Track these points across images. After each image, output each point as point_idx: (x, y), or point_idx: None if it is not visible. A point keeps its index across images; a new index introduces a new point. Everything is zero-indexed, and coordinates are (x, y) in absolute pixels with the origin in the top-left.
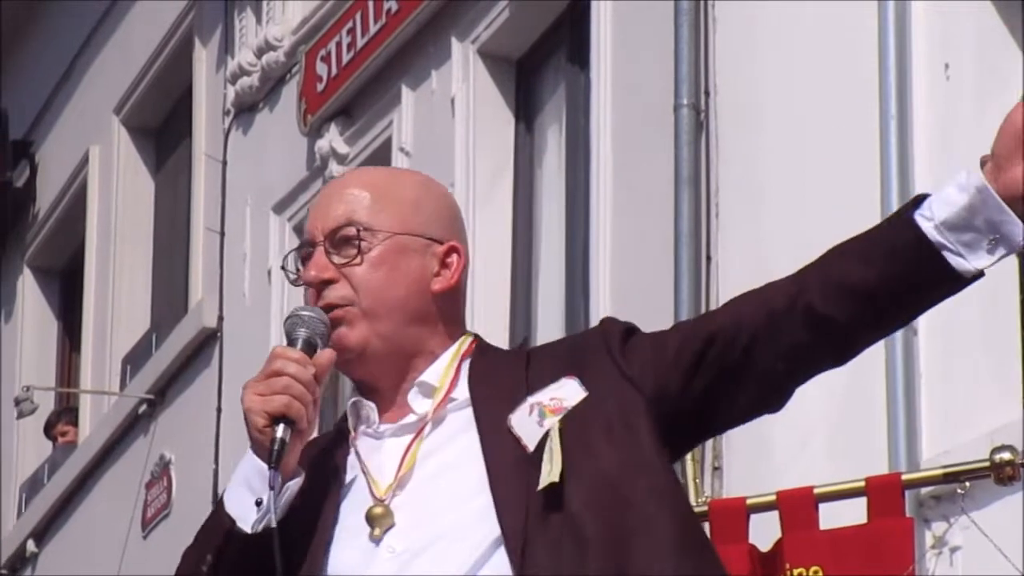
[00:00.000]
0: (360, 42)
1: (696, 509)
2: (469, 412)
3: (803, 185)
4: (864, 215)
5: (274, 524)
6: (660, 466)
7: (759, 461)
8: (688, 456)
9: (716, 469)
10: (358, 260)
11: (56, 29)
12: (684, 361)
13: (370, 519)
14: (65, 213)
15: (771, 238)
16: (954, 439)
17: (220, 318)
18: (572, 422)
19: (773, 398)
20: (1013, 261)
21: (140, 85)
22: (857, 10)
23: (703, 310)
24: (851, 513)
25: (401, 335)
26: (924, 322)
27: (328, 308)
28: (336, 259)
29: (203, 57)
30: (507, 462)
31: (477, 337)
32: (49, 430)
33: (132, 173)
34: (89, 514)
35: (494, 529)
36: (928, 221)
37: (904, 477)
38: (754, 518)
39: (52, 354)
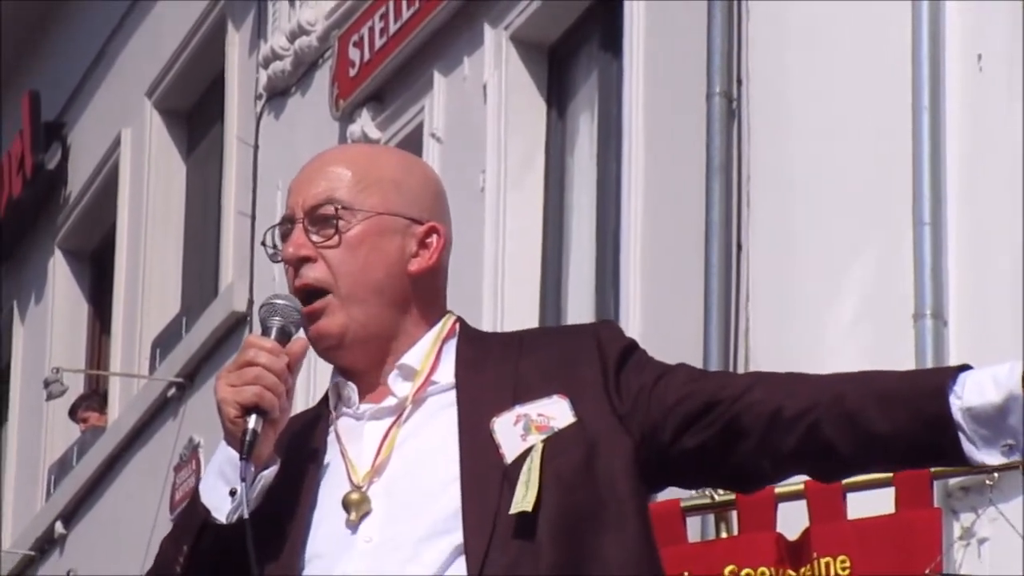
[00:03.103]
0: (393, 27)
1: (724, 498)
2: (451, 396)
3: (834, 175)
4: (896, 206)
5: (246, 515)
6: (632, 513)
7: None
8: None
9: None
10: (335, 240)
11: (89, 11)
12: (679, 414)
13: (346, 504)
14: (96, 196)
15: (802, 227)
16: None
17: (250, 302)
18: (555, 447)
19: (749, 485)
20: None
21: (172, 68)
22: (890, 1)
23: (733, 299)
24: (879, 503)
25: (379, 319)
26: (954, 312)
27: (305, 288)
28: (315, 237)
29: (236, 41)
30: (481, 469)
31: (459, 318)
32: (73, 414)
33: (164, 156)
34: (117, 497)
35: (460, 537)
36: (958, 399)
37: (932, 468)
38: (782, 507)
39: (82, 336)
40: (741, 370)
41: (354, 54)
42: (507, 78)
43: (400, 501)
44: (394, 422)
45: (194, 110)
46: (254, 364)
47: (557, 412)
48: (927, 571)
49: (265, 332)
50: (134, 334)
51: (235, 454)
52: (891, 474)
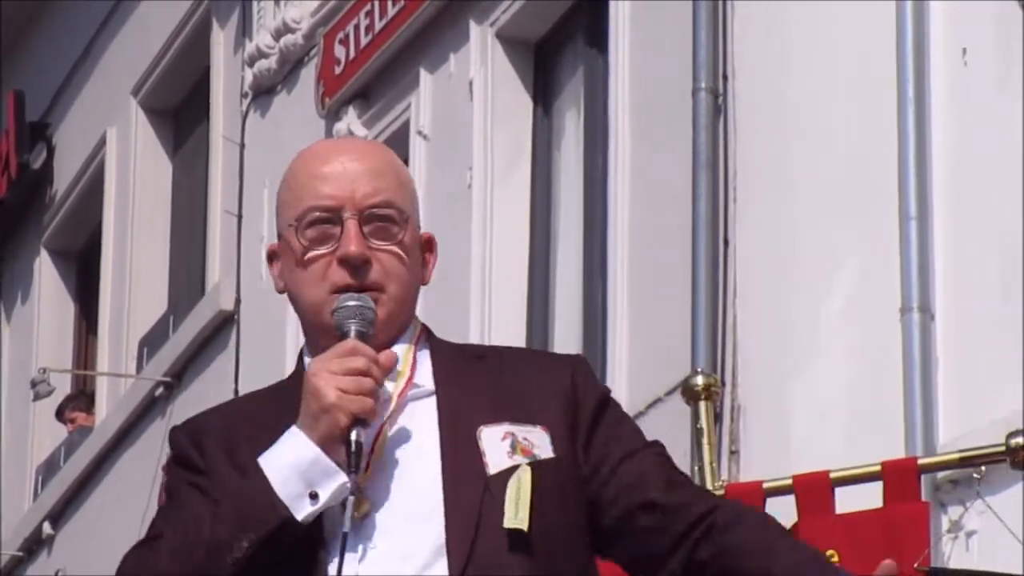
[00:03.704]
0: (378, 25)
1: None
2: (432, 403)
3: (820, 170)
4: (882, 201)
5: (347, 529)
6: (587, 563)
7: (776, 445)
8: (705, 440)
9: (733, 453)
10: (392, 245)
11: (74, 11)
12: (620, 503)
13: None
14: (82, 195)
15: (788, 223)
16: (971, 423)
17: (237, 301)
18: (538, 473)
19: None
20: None
21: (158, 67)
22: None
23: (720, 295)
24: (867, 497)
25: (402, 324)
26: (941, 306)
27: (363, 288)
28: (374, 241)
29: (221, 39)
30: (462, 473)
31: (425, 325)
32: (60, 415)
33: (149, 155)
34: (105, 497)
35: (443, 550)
36: None
37: (920, 461)
38: (771, 502)
39: (69, 336)
40: (729, 364)
41: (340, 52)
42: (493, 75)
43: (394, 509)
44: (384, 423)
45: (180, 109)
46: (368, 375)
47: (540, 442)
48: (916, 564)
49: (343, 336)
50: (121, 334)
51: (322, 456)
52: (879, 467)
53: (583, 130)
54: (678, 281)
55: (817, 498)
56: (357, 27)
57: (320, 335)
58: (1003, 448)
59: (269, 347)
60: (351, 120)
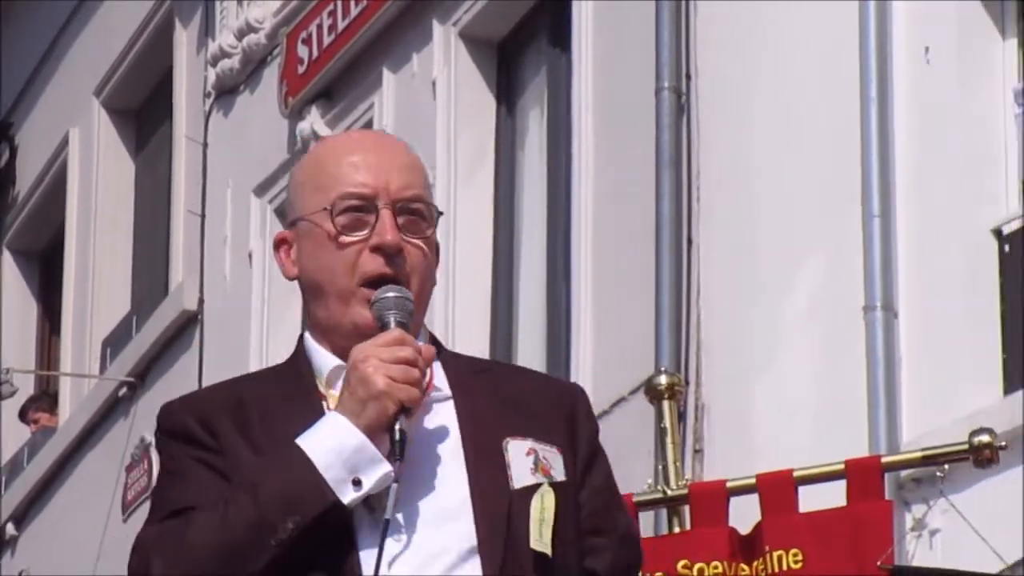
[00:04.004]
0: (341, 24)
1: (676, 492)
2: (450, 407)
3: (784, 169)
4: (845, 199)
5: (388, 516)
6: None
7: (740, 444)
8: (668, 439)
9: (697, 452)
10: (420, 240)
11: (36, 11)
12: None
13: (372, 504)
14: (45, 195)
15: (752, 221)
16: (934, 422)
17: (200, 301)
18: (558, 496)
19: None
20: (993, 244)
21: (120, 67)
22: None
23: (684, 293)
24: (831, 496)
25: (417, 323)
26: (904, 304)
27: (393, 278)
28: (404, 234)
29: (183, 39)
30: (488, 481)
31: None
32: (23, 416)
33: (112, 155)
34: (69, 497)
35: (475, 551)
36: None
37: (884, 460)
38: (734, 501)
39: (32, 337)
40: (693, 363)
41: (303, 51)
42: (456, 74)
43: (418, 499)
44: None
45: (142, 109)
46: (416, 366)
47: (556, 464)
48: (879, 563)
49: (383, 327)
50: (84, 334)
51: (367, 443)
52: (843, 466)
53: (546, 129)
54: (642, 280)
55: (781, 497)
56: (320, 27)
57: (341, 320)
58: (966, 447)
59: (232, 347)
60: (314, 119)
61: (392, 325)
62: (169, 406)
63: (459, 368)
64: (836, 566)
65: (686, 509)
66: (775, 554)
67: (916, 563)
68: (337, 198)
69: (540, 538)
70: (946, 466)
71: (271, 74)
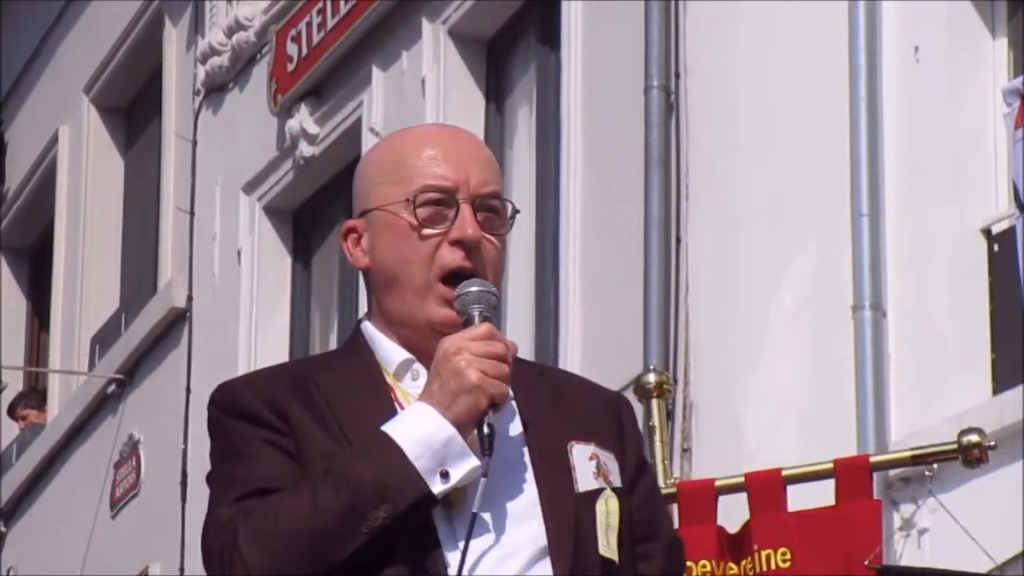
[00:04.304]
0: (331, 22)
1: (665, 491)
2: (511, 407)
3: (773, 167)
4: (834, 198)
5: (475, 510)
6: None
7: (728, 443)
8: (657, 438)
9: (685, 451)
10: (494, 238)
11: (26, 8)
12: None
13: (448, 499)
14: (34, 192)
15: (741, 220)
16: (922, 421)
17: (189, 298)
18: (620, 503)
19: None
20: (982, 243)
21: (110, 64)
22: None
23: (672, 292)
24: (819, 495)
25: None
26: (893, 304)
27: (471, 272)
28: (484, 230)
29: (173, 37)
30: (557, 486)
31: None
32: (12, 412)
33: (102, 152)
34: (57, 494)
35: (545, 552)
36: None
37: (872, 459)
38: (723, 500)
39: (21, 333)
40: (681, 361)
41: (292, 49)
42: (445, 72)
43: (489, 496)
44: None
45: (132, 106)
46: (506, 361)
47: (614, 470)
48: (867, 562)
49: (467, 321)
50: (73, 331)
51: (456, 436)
52: (831, 465)
53: (535, 127)
54: (630, 279)
55: (769, 496)
56: (309, 24)
57: (415, 314)
58: (955, 446)
59: (221, 344)
60: (303, 117)
61: (477, 319)
62: (230, 386)
63: (517, 369)
64: (824, 565)
65: (674, 508)
66: (763, 553)
67: (904, 563)
68: (418, 190)
69: (608, 544)
70: (935, 465)
71: (260, 72)
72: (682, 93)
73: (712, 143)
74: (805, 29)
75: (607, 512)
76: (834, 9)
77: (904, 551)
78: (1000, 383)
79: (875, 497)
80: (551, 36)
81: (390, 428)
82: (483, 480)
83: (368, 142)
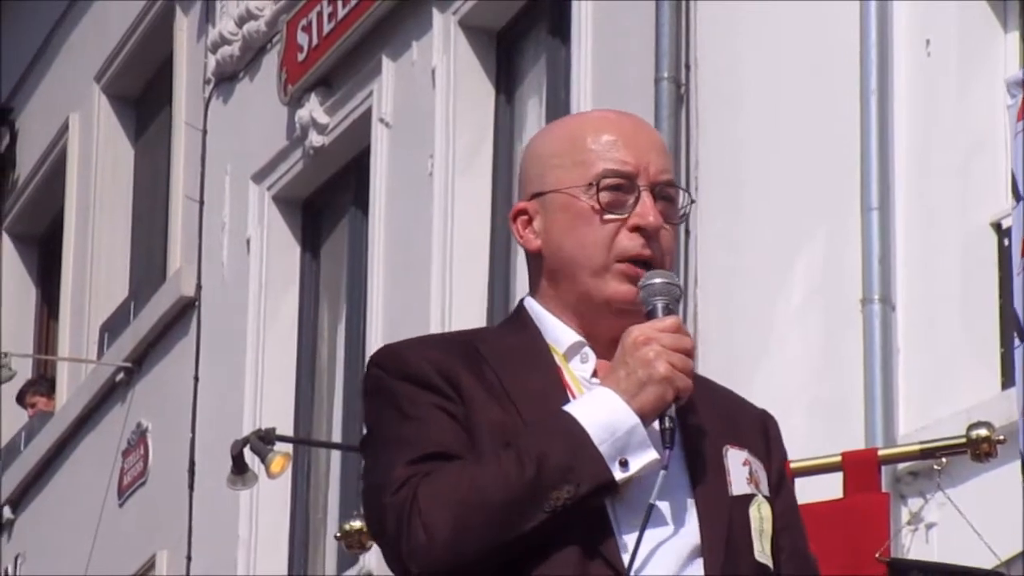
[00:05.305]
0: (341, 12)
1: None
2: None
3: (783, 160)
4: (844, 192)
5: (653, 500)
6: None
7: None
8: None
9: None
10: (670, 226)
11: None
12: None
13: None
14: (44, 180)
15: (750, 212)
16: (931, 415)
17: (198, 287)
18: (772, 510)
19: None
20: (992, 237)
21: (121, 53)
22: None
23: (682, 284)
24: (827, 488)
25: None
26: (902, 297)
27: (649, 260)
28: (662, 218)
29: (184, 26)
30: (711, 488)
31: None
32: (21, 400)
33: (112, 141)
34: (65, 481)
35: (698, 551)
36: None
37: (880, 453)
38: None
39: (30, 321)
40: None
41: (302, 39)
42: (455, 63)
43: (646, 494)
44: None
45: (142, 95)
46: (691, 356)
47: (763, 479)
48: (876, 556)
49: (650, 313)
50: (82, 319)
51: (642, 428)
52: (839, 458)
53: (545, 119)
54: None
55: None
56: (320, 14)
57: (593, 294)
58: (964, 440)
59: (229, 333)
60: (313, 107)
61: (660, 311)
62: (395, 349)
63: None
64: (832, 559)
65: None
66: None
67: (912, 557)
68: (601, 174)
69: (763, 550)
70: (944, 459)
71: (271, 61)
72: (692, 85)
73: (722, 135)
74: (816, 21)
75: (760, 518)
76: (846, 2)
77: (912, 545)
78: (1009, 377)
79: (883, 491)
80: (561, 27)
81: (574, 409)
82: (663, 473)
83: (378, 132)
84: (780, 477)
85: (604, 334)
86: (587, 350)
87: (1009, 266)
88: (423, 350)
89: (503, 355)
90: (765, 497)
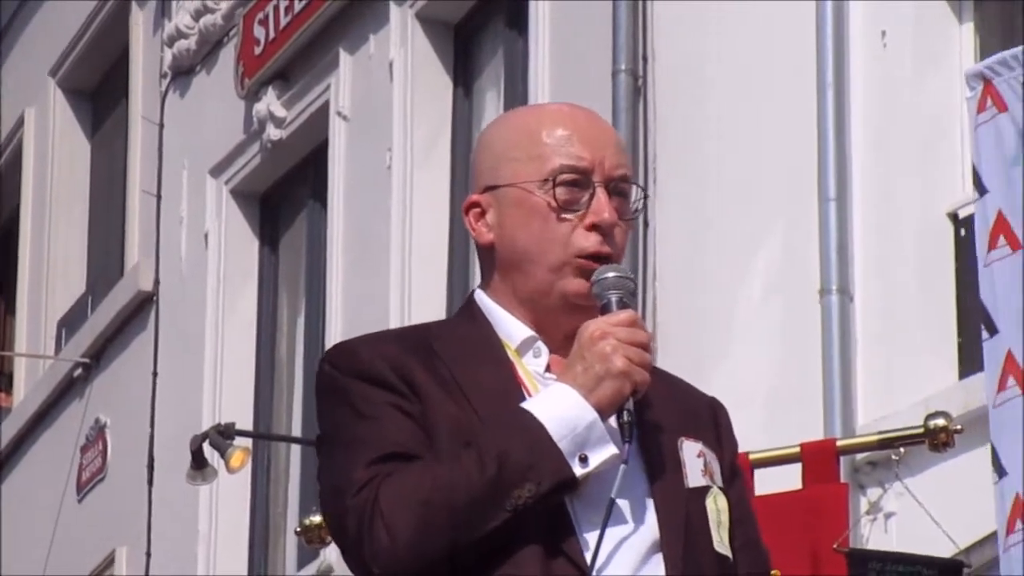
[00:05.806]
0: (298, 6)
1: None
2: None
3: (741, 151)
4: (802, 183)
5: (614, 495)
6: None
7: None
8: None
9: None
10: (623, 223)
11: None
12: None
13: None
14: (0, 175)
15: (708, 204)
16: (889, 405)
17: (156, 282)
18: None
19: None
20: (949, 227)
21: (76, 47)
22: None
23: (639, 276)
24: (786, 479)
25: None
26: (860, 288)
27: (607, 256)
28: (616, 213)
29: (140, 19)
30: (668, 482)
31: None
32: None
33: (68, 135)
34: (24, 477)
35: (657, 547)
36: None
37: (839, 443)
38: None
39: None
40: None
41: (259, 32)
42: (413, 56)
43: (604, 489)
44: None
45: (98, 89)
46: (647, 349)
47: (716, 470)
48: (835, 546)
49: (605, 308)
50: (39, 314)
51: (601, 423)
52: (798, 449)
53: (503, 111)
54: None
55: None
56: (276, 8)
57: (548, 290)
58: (922, 430)
59: (188, 328)
60: (270, 101)
61: (614, 305)
62: (349, 346)
63: None
64: (792, 549)
65: None
66: None
67: (871, 547)
68: (556, 170)
69: (722, 540)
70: (902, 449)
71: (227, 55)
72: (650, 77)
73: (680, 127)
74: (773, 14)
75: (717, 509)
76: None
77: (870, 535)
78: (966, 367)
79: (842, 481)
80: (519, 20)
81: (532, 406)
82: (623, 468)
83: (336, 126)
84: (732, 469)
85: (557, 329)
86: (540, 344)
87: (968, 257)
88: (377, 346)
89: (456, 349)
90: (720, 488)
